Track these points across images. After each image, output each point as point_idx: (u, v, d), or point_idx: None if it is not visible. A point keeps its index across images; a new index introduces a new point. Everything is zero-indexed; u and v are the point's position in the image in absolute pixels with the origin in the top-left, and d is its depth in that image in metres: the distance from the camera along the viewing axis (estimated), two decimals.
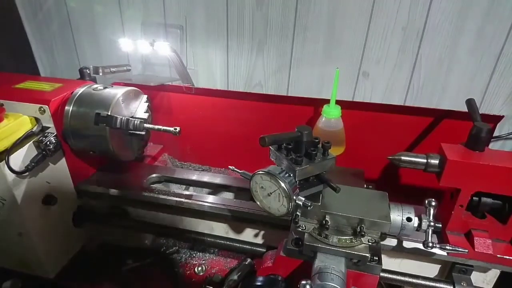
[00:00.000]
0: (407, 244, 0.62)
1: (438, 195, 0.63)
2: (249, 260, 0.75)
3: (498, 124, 0.75)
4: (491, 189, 0.56)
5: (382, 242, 0.59)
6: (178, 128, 0.71)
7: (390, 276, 0.64)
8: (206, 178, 0.84)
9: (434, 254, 0.60)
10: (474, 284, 0.62)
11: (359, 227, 0.51)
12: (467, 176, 0.56)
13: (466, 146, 0.59)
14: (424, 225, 0.54)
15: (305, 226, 0.54)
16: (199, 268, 0.76)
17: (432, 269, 0.67)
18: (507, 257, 0.57)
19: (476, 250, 0.58)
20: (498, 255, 0.57)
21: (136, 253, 0.83)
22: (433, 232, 0.55)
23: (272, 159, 0.54)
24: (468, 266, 0.62)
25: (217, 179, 0.83)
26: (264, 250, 0.70)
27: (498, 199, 0.58)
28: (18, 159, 0.65)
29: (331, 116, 0.77)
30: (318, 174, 0.52)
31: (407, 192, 0.87)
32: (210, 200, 0.74)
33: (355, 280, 0.52)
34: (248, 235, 0.76)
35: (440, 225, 0.55)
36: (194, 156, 1.04)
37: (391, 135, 0.83)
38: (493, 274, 0.64)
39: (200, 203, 0.73)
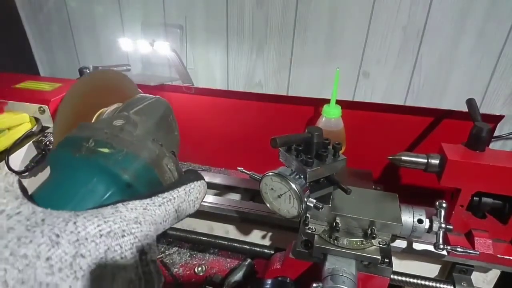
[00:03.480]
0: (416, 246, 0.62)
1: (438, 195, 0.63)
2: (249, 260, 0.75)
3: (498, 124, 0.75)
4: (491, 189, 0.56)
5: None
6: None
7: (391, 276, 0.64)
8: (206, 178, 0.83)
9: (444, 256, 0.60)
10: (474, 285, 0.62)
11: (370, 229, 0.51)
12: (468, 176, 0.56)
13: (466, 146, 0.59)
14: (435, 227, 0.54)
15: (314, 228, 0.54)
16: (199, 268, 0.76)
17: (432, 269, 0.67)
18: (508, 257, 0.57)
19: (476, 250, 0.58)
20: (499, 255, 0.57)
21: None
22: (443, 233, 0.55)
23: (282, 161, 0.54)
24: (468, 266, 0.61)
25: (217, 179, 0.83)
26: (271, 252, 0.70)
27: (499, 199, 0.58)
28: (18, 159, 0.65)
29: (331, 116, 0.77)
30: (328, 175, 0.52)
31: (406, 192, 0.87)
32: (210, 200, 0.74)
33: (365, 282, 0.52)
34: (256, 236, 0.76)
35: (451, 227, 0.54)
36: (194, 156, 1.04)
37: (391, 135, 0.83)
38: (494, 274, 0.64)
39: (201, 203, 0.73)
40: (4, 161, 0.61)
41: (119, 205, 0.23)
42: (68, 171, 0.27)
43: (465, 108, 0.67)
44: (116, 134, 0.29)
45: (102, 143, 0.28)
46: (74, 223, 0.20)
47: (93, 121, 0.42)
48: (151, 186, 0.28)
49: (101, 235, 0.21)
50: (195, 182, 0.28)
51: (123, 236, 0.21)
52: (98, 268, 0.20)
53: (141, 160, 0.28)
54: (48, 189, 0.27)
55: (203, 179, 0.30)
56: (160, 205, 0.25)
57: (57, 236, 0.19)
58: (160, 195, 0.25)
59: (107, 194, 0.26)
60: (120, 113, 0.33)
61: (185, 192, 0.27)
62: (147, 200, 0.25)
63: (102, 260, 0.20)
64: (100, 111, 0.44)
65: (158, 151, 0.30)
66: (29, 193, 0.25)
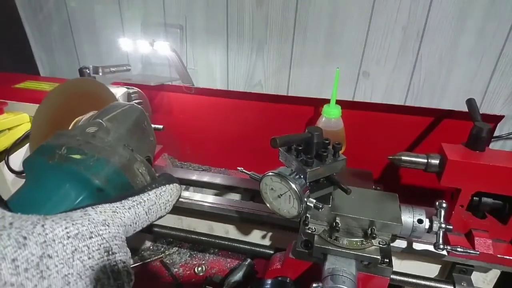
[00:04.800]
0: (416, 246, 0.62)
1: (438, 195, 0.63)
2: (249, 260, 0.75)
3: (498, 124, 0.75)
4: (491, 189, 0.56)
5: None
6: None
7: (391, 276, 0.64)
8: (206, 178, 0.84)
9: (444, 256, 0.60)
10: (474, 284, 0.62)
11: (370, 229, 0.51)
12: (468, 176, 0.56)
13: (466, 146, 0.59)
14: (435, 226, 0.54)
15: (314, 228, 0.54)
16: (199, 268, 0.76)
17: (432, 269, 0.67)
18: (508, 257, 0.57)
19: (476, 250, 0.58)
20: (499, 255, 0.57)
21: (137, 253, 0.83)
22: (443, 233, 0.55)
23: (282, 161, 0.53)
24: (468, 266, 0.61)
25: (217, 179, 0.83)
26: (272, 252, 0.70)
27: (499, 199, 0.58)
28: (18, 159, 0.65)
29: (331, 116, 0.77)
30: (328, 175, 0.52)
31: (406, 192, 0.87)
32: (210, 200, 0.74)
33: (365, 282, 0.52)
34: (255, 236, 0.76)
35: (451, 227, 0.54)
36: (194, 156, 1.04)
37: (391, 135, 0.83)
38: (494, 274, 0.64)
39: (200, 203, 0.73)
40: (4, 161, 0.61)
41: (89, 208, 0.24)
42: (42, 178, 0.28)
43: (465, 108, 0.67)
44: (88, 141, 0.30)
45: (74, 149, 0.29)
46: (42, 225, 0.21)
47: (69, 128, 0.43)
48: (122, 190, 0.29)
49: (68, 237, 0.22)
50: (166, 186, 0.29)
51: (90, 237, 0.22)
52: (65, 268, 0.21)
53: (112, 165, 0.29)
54: (22, 195, 0.28)
55: (177, 182, 0.30)
56: (129, 208, 0.26)
57: (24, 238, 0.20)
58: (130, 198, 0.26)
59: (79, 199, 0.27)
60: (93, 120, 0.34)
61: (156, 195, 0.28)
62: (117, 204, 0.25)
63: (69, 260, 0.21)
64: (77, 119, 0.45)
65: (129, 156, 0.31)
66: (5, 199, 0.26)
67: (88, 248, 0.22)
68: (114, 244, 0.24)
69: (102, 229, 0.23)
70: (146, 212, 0.27)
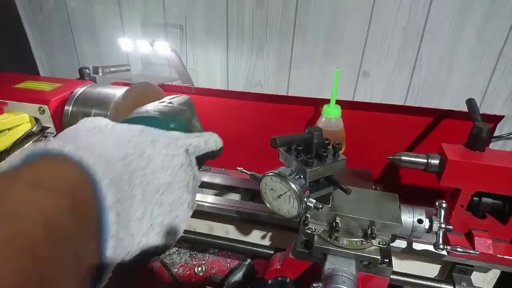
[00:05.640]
0: (416, 246, 0.62)
1: (438, 195, 0.63)
2: (249, 260, 0.75)
3: (498, 124, 0.75)
4: (491, 189, 0.56)
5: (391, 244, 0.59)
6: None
7: (390, 276, 0.64)
8: (206, 178, 0.84)
9: (444, 256, 0.60)
10: (474, 284, 0.62)
11: (370, 229, 0.51)
12: (468, 176, 0.56)
13: (466, 146, 0.59)
14: (435, 226, 0.54)
15: (314, 228, 0.54)
16: (199, 268, 0.76)
17: (432, 269, 0.67)
18: (508, 257, 0.57)
19: (476, 250, 0.58)
20: (499, 255, 0.57)
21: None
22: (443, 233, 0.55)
23: (282, 161, 0.53)
24: (468, 266, 0.61)
25: (217, 179, 0.83)
26: (272, 252, 0.70)
27: (499, 199, 0.58)
28: None
29: (331, 116, 0.77)
30: (328, 175, 0.52)
31: (406, 192, 0.87)
32: (210, 200, 0.74)
33: (365, 282, 0.52)
34: (255, 236, 0.76)
35: (451, 227, 0.54)
36: None
37: (391, 135, 0.83)
38: (494, 274, 0.64)
39: (201, 203, 0.73)
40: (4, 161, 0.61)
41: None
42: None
43: (465, 108, 0.67)
44: (159, 108, 0.42)
45: (151, 111, 0.40)
46: (142, 130, 0.35)
47: None
48: None
49: (163, 135, 0.35)
50: (214, 133, 0.42)
51: (176, 139, 0.36)
52: (164, 150, 0.34)
53: (179, 119, 0.40)
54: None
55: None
56: (194, 137, 0.38)
57: (152, 139, 0.34)
58: (194, 133, 0.39)
59: None
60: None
61: (209, 135, 0.40)
62: (187, 133, 0.38)
63: (165, 147, 0.34)
64: None
65: (189, 114, 0.43)
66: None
67: (176, 144, 0.35)
68: (189, 146, 0.37)
69: (181, 137, 0.37)
70: (205, 142, 0.39)
